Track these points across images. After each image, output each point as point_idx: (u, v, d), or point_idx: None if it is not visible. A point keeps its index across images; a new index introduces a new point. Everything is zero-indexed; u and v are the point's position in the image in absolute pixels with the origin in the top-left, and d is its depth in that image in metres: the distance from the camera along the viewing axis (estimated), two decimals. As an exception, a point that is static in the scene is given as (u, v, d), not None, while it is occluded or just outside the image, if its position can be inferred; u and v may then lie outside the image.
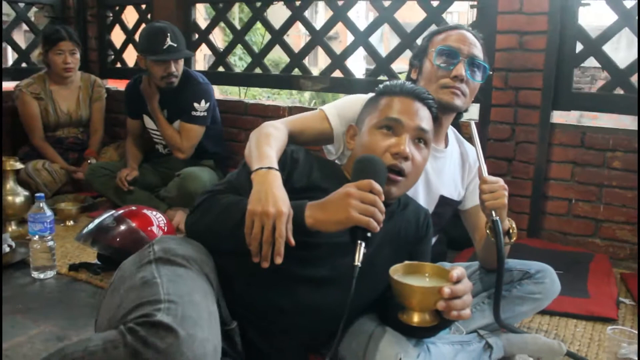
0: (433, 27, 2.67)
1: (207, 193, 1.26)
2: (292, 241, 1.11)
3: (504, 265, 1.42)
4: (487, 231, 1.47)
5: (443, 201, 1.73)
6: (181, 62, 2.84)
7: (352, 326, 1.34)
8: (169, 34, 2.75)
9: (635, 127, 2.43)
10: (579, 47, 2.47)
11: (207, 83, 2.97)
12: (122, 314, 1.01)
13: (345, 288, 1.15)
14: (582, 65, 2.58)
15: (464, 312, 1.08)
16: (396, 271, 1.13)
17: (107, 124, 3.50)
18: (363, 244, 1.09)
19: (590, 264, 2.34)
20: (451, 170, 1.76)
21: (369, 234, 1.10)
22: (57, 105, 3.25)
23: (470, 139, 1.59)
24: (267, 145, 1.33)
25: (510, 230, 1.48)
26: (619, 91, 2.43)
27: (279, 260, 1.11)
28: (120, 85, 3.85)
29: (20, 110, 3.19)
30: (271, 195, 1.14)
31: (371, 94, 1.53)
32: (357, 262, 1.09)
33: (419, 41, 2.64)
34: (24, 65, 3.63)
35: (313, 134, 1.60)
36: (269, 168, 1.22)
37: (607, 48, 2.46)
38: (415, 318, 1.11)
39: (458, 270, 1.10)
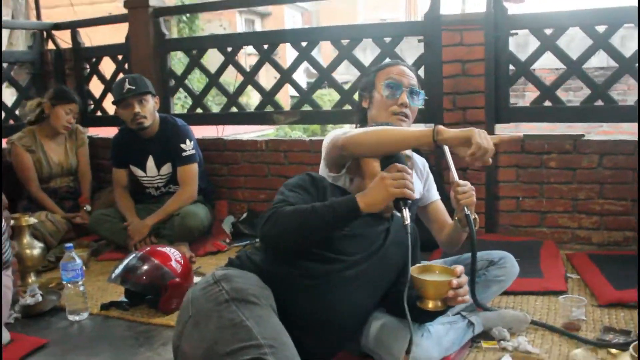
0: (387, 60, 3.12)
1: (271, 210, 1.55)
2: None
3: (476, 250, 1.80)
4: (458, 223, 1.86)
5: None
6: (148, 105, 3.09)
7: (369, 322, 1.71)
8: (127, 80, 3.06)
9: (563, 132, 2.91)
10: (512, 69, 2.94)
11: (185, 124, 3.28)
12: (225, 352, 1.30)
13: (375, 287, 1.58)
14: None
15: (466, 297, 1.46)
16: (414, 271, 1.49)
17: (92, 170, 3.70)
18: (407, 208, 1.50)
19: (541, 250, 2.78)
20: None
21: (408, 201, 1.50)
22: (48, 157, 3.45)
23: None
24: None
25: (475, 222, 1.86)
26: (548, 103, 2.92)
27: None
28: (101, 132, 4.11)
29: (15, 163, 3.37)
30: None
31: None
32: (407, 220, 1.49)
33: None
34: (11, 122, 3.81)
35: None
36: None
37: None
38: (430, 305, 1.47)
39: (460, 267, 1.48)
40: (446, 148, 1.88)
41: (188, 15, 11.84)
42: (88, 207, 3.47)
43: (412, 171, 1.62)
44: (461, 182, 1.82)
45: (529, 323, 1.98)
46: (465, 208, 1.79)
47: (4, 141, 3.53)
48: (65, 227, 3.29)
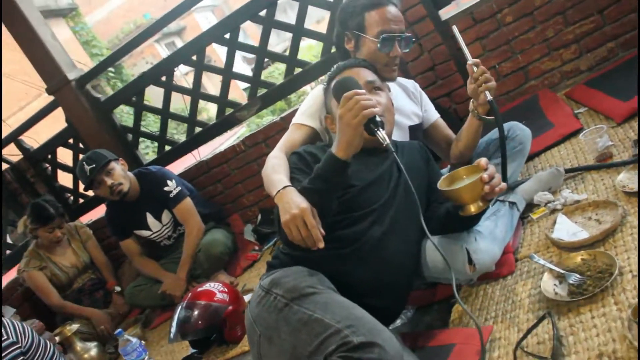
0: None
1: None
2: (322, 231, 1.39)
3: (504, 134, 1.75)
4: (476, 114, 1.79)
5: (412, 129, 2.06)
6: (116, 172, 3.03)
7: (422, 253, 1.66)
8: (84, 162, 3.00)
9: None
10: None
11: (159, 168, 3.25)
12: (309, 352, 1.25)
13: (412, 219, 1.50)
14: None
15: (502, 185, 1.39)
16: (442, 186, 1.44)
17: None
18: (379, 128, 1.42)
19: (540, 102, 2.72)
20: (402, 103, 2.06)
21: (377, 119, 1.41)
22: (60, 265, 3.42)
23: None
24: (276, 173, 1.64)
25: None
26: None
27: (321, 245, 1.39)
28: (92, 216, 4.06)
29: (33, 286, 3.36)
30: (292, 203, 1.43)
31: (320, 86, 1.87)
32: (386, 140, 1.43)
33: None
34: (8, 252, 3.77)
35: (303, 142, 1.89)
36: (284, 187, 1.52)
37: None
38: (473, 209, 1.41)
39: (483, 159, 1.41)
40: (454, 29, 1.80)
41: (113, 70, 11.67)
42: (118, 288, 3.45)
43: (365, 90, 1.50)
44: (476, 60, 1.75)
45: (564, 174, 1.94)
46: (487, 93, 1.72)
47: (14, 272, 3.50)
48: (107, 318, 3.28)
